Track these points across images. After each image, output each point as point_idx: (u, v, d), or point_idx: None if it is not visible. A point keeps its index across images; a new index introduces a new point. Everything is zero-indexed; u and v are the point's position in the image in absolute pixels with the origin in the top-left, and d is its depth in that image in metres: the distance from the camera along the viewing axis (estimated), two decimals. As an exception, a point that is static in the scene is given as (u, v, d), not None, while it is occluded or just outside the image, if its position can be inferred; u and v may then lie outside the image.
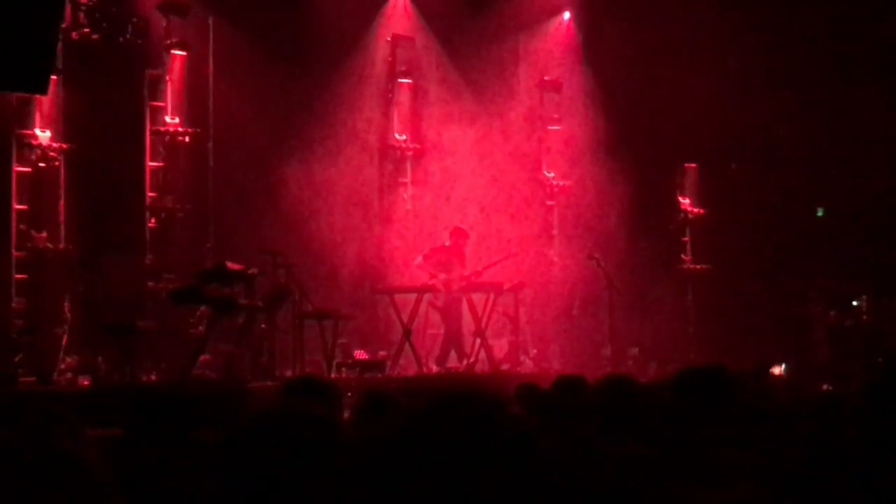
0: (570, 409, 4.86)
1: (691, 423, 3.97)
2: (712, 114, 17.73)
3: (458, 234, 15.43)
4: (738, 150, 18.47)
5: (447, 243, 15.46)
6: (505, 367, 15.11)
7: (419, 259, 15.30)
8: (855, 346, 16.27)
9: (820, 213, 18.96)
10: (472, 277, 15.15)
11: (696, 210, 18.62)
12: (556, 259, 17.03)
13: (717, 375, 4.12)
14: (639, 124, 17.13)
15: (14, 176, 15.20)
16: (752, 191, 18.36)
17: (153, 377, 13.04)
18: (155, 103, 16.43)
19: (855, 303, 16.75)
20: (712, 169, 18.69)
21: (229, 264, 12.18)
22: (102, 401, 10.41)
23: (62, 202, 15.47)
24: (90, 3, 15.34)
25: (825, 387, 10.49)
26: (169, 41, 16.21)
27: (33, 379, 12.66)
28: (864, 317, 16.59)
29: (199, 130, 16.64)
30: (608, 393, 4.57)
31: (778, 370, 9.18)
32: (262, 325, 13.30)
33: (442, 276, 15.07)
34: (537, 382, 7.67)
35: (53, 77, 13.69)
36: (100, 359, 12.85)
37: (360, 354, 14.79)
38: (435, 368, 14.99)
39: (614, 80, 17.50)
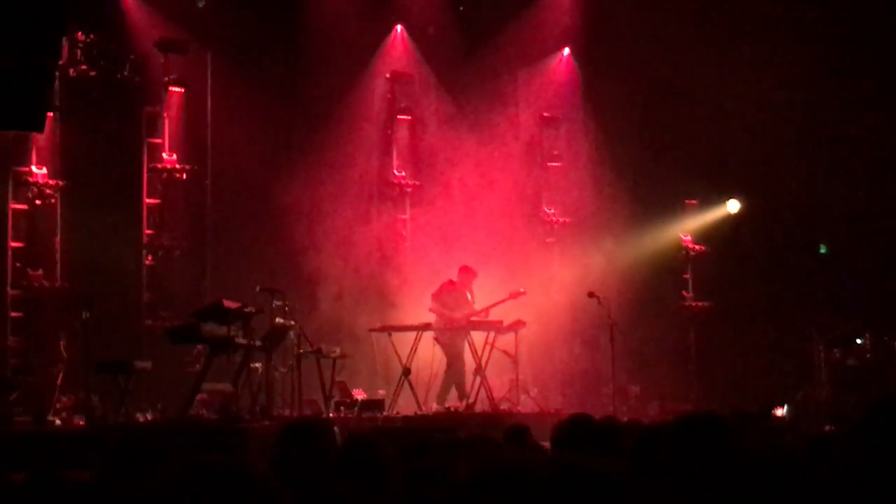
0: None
1: (688, 470, 3.95)
2: (713, 150, 17.79)
3: (466, 271, 15.41)
4: (739, 187, 18.49)
5: (454, 279, 15.44)
6: (505, 406, 15.05)
7: (430, 302, 15.25)
8: (858, 386, 16.21)
9: (822, 251, 18.95)
10: (483, 315, 15.13)
11: (697, 247, 18.62)
12: (556, 296, 17.00)
13: (712, 423, 4.10)
14: (639, 160, 17.16)
15: (10, 213, 15.21)
16: (753, 228, 18.37)
17: (149, 417, 12.99)
18: (153, 140, 16.49)
19: (858, 341, 16.70)
20: (713, 206, 18.71)
21: (227, 303, 12.16)
22: (98, 441, 10.39)
23: (58, 239, 15.47)
24: (88, 40, 15.43)
25: (827, 428, 10.45)
26: (167, 78, 16.28)
27: (28, 419, 12.61)
28: (868, 355, 16.54)
29: (196, 167, 16.68)
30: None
31: (781, 412, 9.14)
32: (260, 365, 13.26)
33: (458, 313, 15.05)
34: (536, 422, 7.66)
35: (50, 114, 13.72)
36: (95, 398, 12.79)
37: (358, 393, 14.73)
38: (434, 407, 14.92)
39: (614, 117, 17.55)
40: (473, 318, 15.08)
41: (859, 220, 17.62)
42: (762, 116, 17.53)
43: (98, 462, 5.06)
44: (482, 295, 15.59)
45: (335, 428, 10.19)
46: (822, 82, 17.22)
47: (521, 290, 15.50)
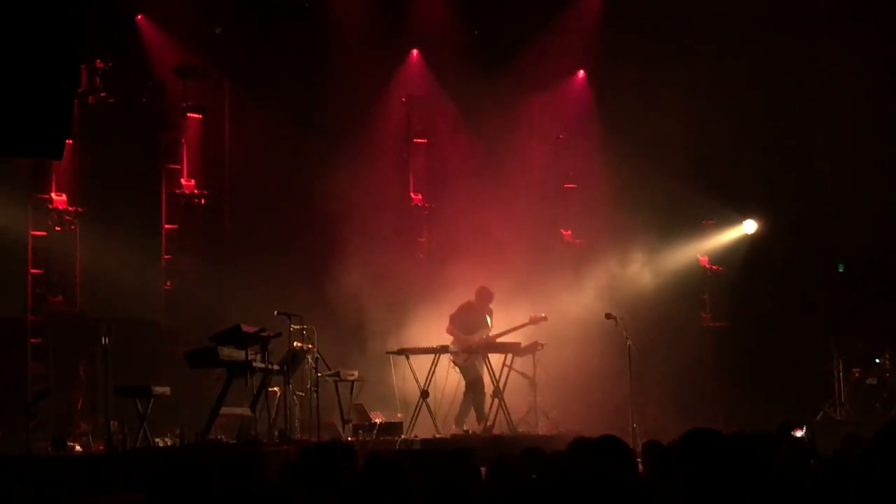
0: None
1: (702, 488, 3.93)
2: (730, 170, 17.75)
3: (484, 292, 15.41)
4: (755, 207, 18.45)
5: (472, 300, 15.43)
6: (523, 428, 15.00)
7: (448, 326, 15.26)
8: (878, 405, 16.11)
9: (840, 270, 18.86)
10: (496, 339, 15.13)
11: (714, 267, 18.56)
12: (573, 318, 16.95)
13: (719, 441, 4.09)
14: (655, 181, 17.14)
15: (30, 240, 15.30)
16: (770, 248, 18.31)
17: (168, 441, 13.00)
18: (171, 165, 16.57)
19: (877, 360, 16.61)
20: (730, 226, 18.67)
21: (245, 326, 12.18)
22: (117, 466, 10.40)
23: (77, 265, 15.55)
24: (106, 68, 15.56)
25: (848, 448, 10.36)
26: (185, 104, 16.39)
27: (48, 444, 12.64)
28: (887, 374, 16.44)
29: (214, 192, 16.75)
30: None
31: (800, 432, 9.08)
32: (278, 388, 13.26)
33: (475, 336, 15.06)
34: (555, 445, 7.62)
35: (69, 141, 13.83)
36: (115, 423, 12.82)
37: (376, 416, 14.71)
38: (453, 429, 14.89)
39: (629, 138, 17.54)
40: (490, 341, 15.07)
41: (878, 239, 17.53)
42: (778, 136, 17.51)
43: (149, 485, 5.11)
44: (501, 319, 15.58)
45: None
46: (841, 97, 17.16)
47: (543, 315, 15.49)
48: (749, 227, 18.63)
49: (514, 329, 15.30)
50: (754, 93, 17.44)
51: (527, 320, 15.42)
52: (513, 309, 16.10)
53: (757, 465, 4.15)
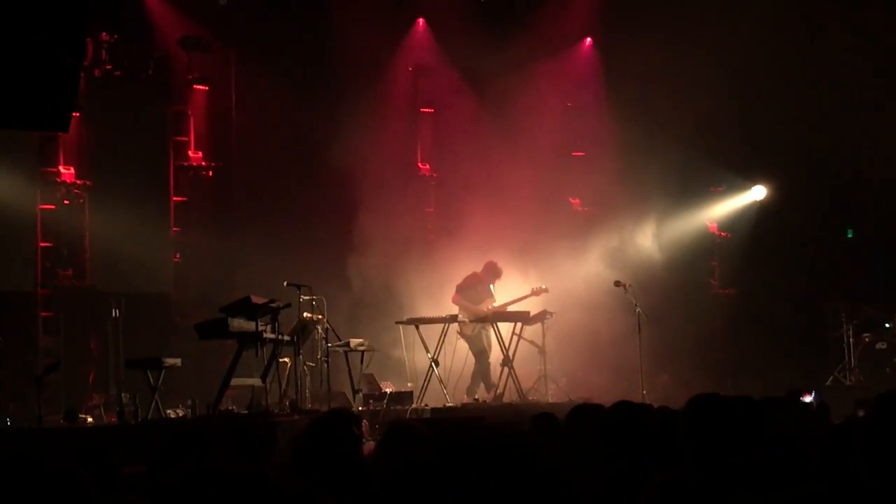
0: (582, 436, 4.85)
1: (708, 451, 3.94)
2: (739, 136, 17.68)
3: (492, 269, 15.41)
4: (765, 172, 18.39)
5: (478, 272, 15.44)
6: (532, 396, 15.05)
7: (454, 295, 15.30)
8: (887, 370, 16.11)
9: (850, 235, 18.82)
10: (502, 309, 15.17)
11: (723, 234, 18.54)
12: (582, 286, 16.96)
13: (723, 404, 4.09)
14: (663, 148, 17.08)
15: (39, 214, 15.32)
16: (780, 213, 18.26)
17: (180, 413, 13.07)
18: (178, 138, 16.56)
19: (887, 325, 16.59)
20: (739, 192, 18.63)
21: (254, 298, 12.20)
22: (130, 438, 10.46)
23: (87, 239, 15.57)
24: (112, 40, 15.52)
25: (860, 413, 10.37)
26: (191, 76, 16.36)
27: (59, 417, 12.70)
28: (897, 339, 16.43)
29: (222, 164, 16.74)
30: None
31: (809, 398, 9.09)
32: (288, 359, 13.30)
33: (485, 304, 15.10)
34: (565, 412, 7.62)
35: (76, 114, 13.82)
36: (126, 396, 12.88)
37: (387, 386, 14.77)
38: (464, 399, 14.94)
39: (637, 105, 17.48)
40: (499, 310, 15.09)
41: (888, 204, 17.48)
42: (787, 101, 17.41)
43: (151, 455, 5.14)
44: (509, 288, 15.61)
45: (364, 420, 10.21)
46: (852, 64, 17.07)
47: (544, 287, 15.51)
48: (758, 193, 18.58)
49: (516, 300, 15.34)
50: (764, 56, 17.32)
51: (528, 292, 15.45)
52: (520, 280, 16.12)
53: (765, 430, 4.15)
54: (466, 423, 10.76)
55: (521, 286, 15.72)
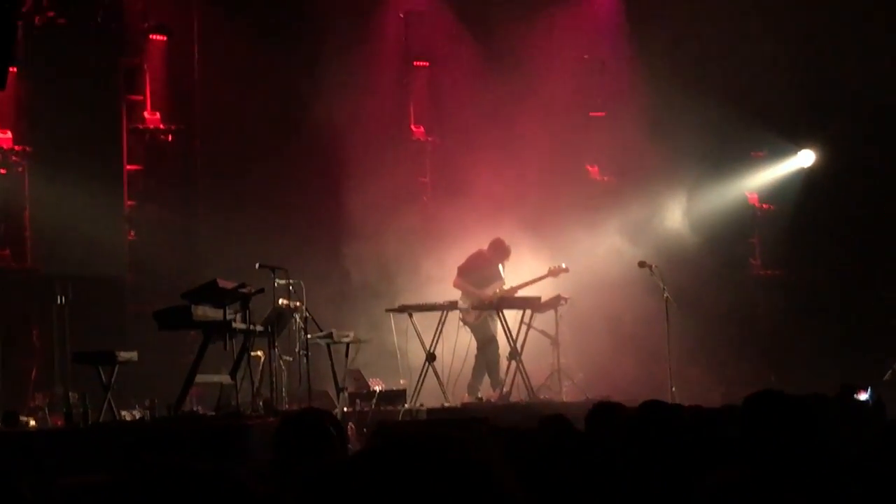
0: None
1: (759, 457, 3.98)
2: (783, 94, 17.67)
3: (500, 247, 15.41)
4: (813, 135, 18.39)
5: (484, 250, 15.45)
6: (544, 395, 15.09)
7: (455, 278, 15.32)
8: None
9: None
10: (514, 292, 15.19)
11: (765, 206, 18.55)
12: (602, 267, 16.99)
13: (784, 403, 4.13)
14: (695, 107, 17.08)
15: (-30, 185, 15.32)
16: (830, 183, 18.27)
17: (137, 415, 13.09)
18: (132, 97, 16.54)
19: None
20: (784, 158, 18.63)
21: (222, 282, 12.20)
22: (79, 443, 10.47)
23: (27, 214, 15.57)
24: (55, -17, 15.48)
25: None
26: (146, 25, 16.33)
27: (-2, 419, 12.73)
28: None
29: (183, 127, 16.73)
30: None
31: (864, 395, 9.11)
32: (262, 352, 13.33)
33: (489, 289, 15.11)
34: (580, 412, 7.65)
35: (12, 69, 13.76)
36: (74, 395, 12.90)
37: (376, 383, 14.80)
38: (465, 398, 14.98)
39: (665, 58, 17.47)
40: (506, 295, 15.11)
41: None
42: (840, 55, 17.39)
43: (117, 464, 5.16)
44: (516, 269, 15.61)
45: (350, 423, 10.25)
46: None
47: (564, 266, 15.51)
48: (806, 158, 18.59)
49: (531, 282, 15.34)
50: (811, 2, 17.31)
51: (545, 272, 15.46)
52: (530, 259, 16.14)
53: (816, 431, 4.19)
54: (467, 426, 10.79)
55: (534, 266, 15.71)
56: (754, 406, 4.27)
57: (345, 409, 13.45)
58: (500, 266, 15.44)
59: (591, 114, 18.60)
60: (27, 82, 15.42)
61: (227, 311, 12.15)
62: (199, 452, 9.68)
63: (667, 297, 14.80)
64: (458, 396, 15.00)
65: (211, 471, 2.54)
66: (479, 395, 15.09)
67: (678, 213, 17.84)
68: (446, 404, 14.29)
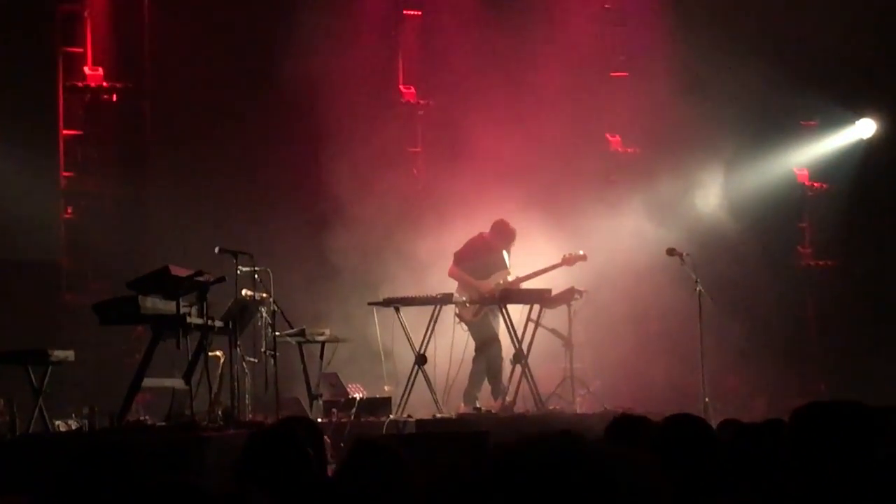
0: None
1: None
2: (838, 54, 17.66)
3: (504, 229, 15.40)
4: (874, 102, 18.41)
5: (486, 234, 15.46)
6: (554, 405, 15.10)
7: (451, 267, 15.31)
8: None
9: None
10: (520, 283, 15.20)
11: (817, 185, 18.57)
12: (623, 255, 17.01)
13: (845, 418, 4.12)
14: (735, 68, 17.10)
15: None
16: (895, 158, 18.30)
17: (73, 424, 13.09)
18: (70, 49, 16.51)
19: None
20: (839, 128, 18.65)
21: (175, 269, 12.20)
22: (3, 458, 10.45)
23: (-55, 188, 15.56)
24: (-22, -86, 15.45)
25: None
26: (88, -36, 16.29)
27: None
28: None
29: (131, 86, 16.70)
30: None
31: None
32: (221, 352, 13.32)
33: (492, 280, 15.12)
34: (597, 425, 7.65)
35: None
36: (0, 401, 12.90)
37: (355, 390, 14.81)
38: (462, 408, 14.99)
39: (702, 9, 17.48)
40: (510, 287, 15.12)
41: None
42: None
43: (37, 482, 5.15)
44: (522, 257, 15.62)
45: (325, 437, 10.25)
46: None
47: (581, 252, 15.52)
48: (865, 129, 18.60)
49: (541, 272, 15.35)
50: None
51: (558, 260, 15.47)
52: (540, 244, 16.14)
53: (878, 448, 4.18)
54: (464, 441, 10.78)
55: (545, 253, 15.72)
56: (805, 421, 4.24)
57: (319, 419, 13.44)
58: (505, 252, 15.43)
59: (612, 74, 18.62)
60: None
61: (181, 304, 12.14)
62: (146, 469, 9.65)
63: (700, 290, 14.80)
64: (453, 406, 15.01)
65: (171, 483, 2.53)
66: (478, 405, 15.08)
67: (714, 192, 17.85)
68: (439, 415, 14.29)
